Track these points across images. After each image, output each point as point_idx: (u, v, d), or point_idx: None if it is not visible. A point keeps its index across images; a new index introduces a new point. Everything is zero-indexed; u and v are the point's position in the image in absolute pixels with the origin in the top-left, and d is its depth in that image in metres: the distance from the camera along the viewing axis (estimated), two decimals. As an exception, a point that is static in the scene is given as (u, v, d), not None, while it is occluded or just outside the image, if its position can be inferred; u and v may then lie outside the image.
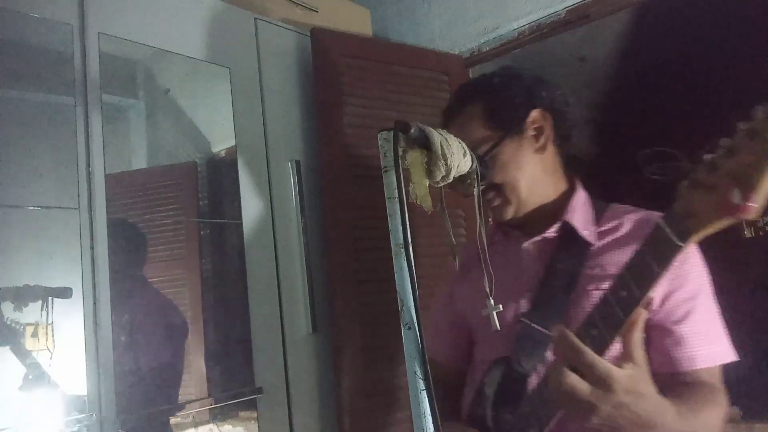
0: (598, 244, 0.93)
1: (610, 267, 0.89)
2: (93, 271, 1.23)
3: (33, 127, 1.22)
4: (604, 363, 0.63)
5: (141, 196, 1.47)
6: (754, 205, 0.52)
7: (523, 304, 0.95)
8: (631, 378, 0.64)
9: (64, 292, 1.18)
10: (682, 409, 0.71)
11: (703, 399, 0.79)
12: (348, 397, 1.58)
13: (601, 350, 0.66)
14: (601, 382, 0.63)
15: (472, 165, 0.87)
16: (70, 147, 1.25)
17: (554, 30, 1.78)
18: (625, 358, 0.65)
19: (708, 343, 0.85)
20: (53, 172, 1.23)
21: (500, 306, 0.91)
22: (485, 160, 0.93)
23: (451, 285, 1.15)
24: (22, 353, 1.10)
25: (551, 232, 0.96)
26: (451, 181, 0.84)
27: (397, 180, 0.67)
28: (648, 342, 0.86)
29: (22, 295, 1.12)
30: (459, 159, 0.81)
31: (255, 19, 1.70)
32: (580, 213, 0.96)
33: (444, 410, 1.06)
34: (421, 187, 0.76)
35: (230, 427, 1.49)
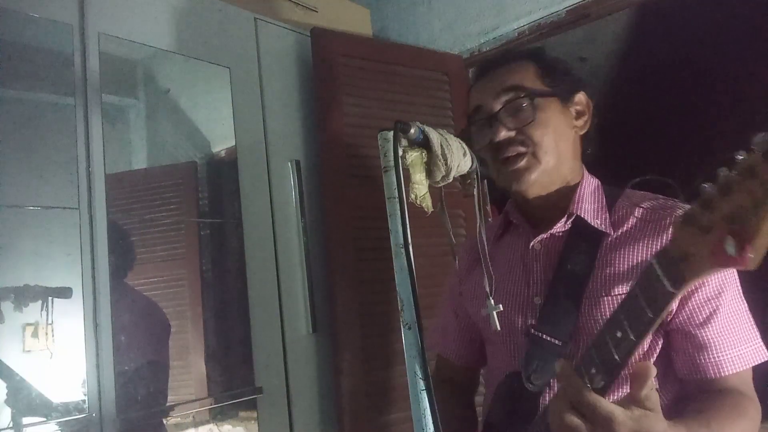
0: (612, 235, 0.85)
1: (621, 265, 0.82)
2: (93, 271, 1.23)
3: (33, 127, 1.22)
4: (606, 405, 0.58)
5: (141, 196, 1.47)
6: (751, 257, 0.44)
7: (532, 312, 0.89)
8: (637, 421, 0.58)
9: (64, 292, 1.18)
10: None
11: (729, 417, 0.71)
12: (348, 397, 1.58)
13: (602, 390, 0.60)
14: (602, 425, 0.58)
15: (472, 165, 0.87)
16: (70, 147, 1.25)
17: (554, 30, 1.78)
18: (630, 400, 0.59)
19: (735, 345, 0.76)
20: (53, 172, 1.23)
21: (500, 306, 0.89)
22: (524, 116, 0.87)
23: (459, 282, 1.09)
24: (6, 375, 1.09)
25: (558, 227, 0.90)
26: (450, 180, 0.84)
27: (397, 180, 0.67)
28: (670, 346, 0.82)
29: (22, 295, 1.12)
30: (459, 159, 0.81)
31: (255, 19, 1.70)
32: (588, 202, 0.90)
33: (455, 408, 1.04)
34: (421, 187, 0.76)
35: (230, 427, 1.49)
